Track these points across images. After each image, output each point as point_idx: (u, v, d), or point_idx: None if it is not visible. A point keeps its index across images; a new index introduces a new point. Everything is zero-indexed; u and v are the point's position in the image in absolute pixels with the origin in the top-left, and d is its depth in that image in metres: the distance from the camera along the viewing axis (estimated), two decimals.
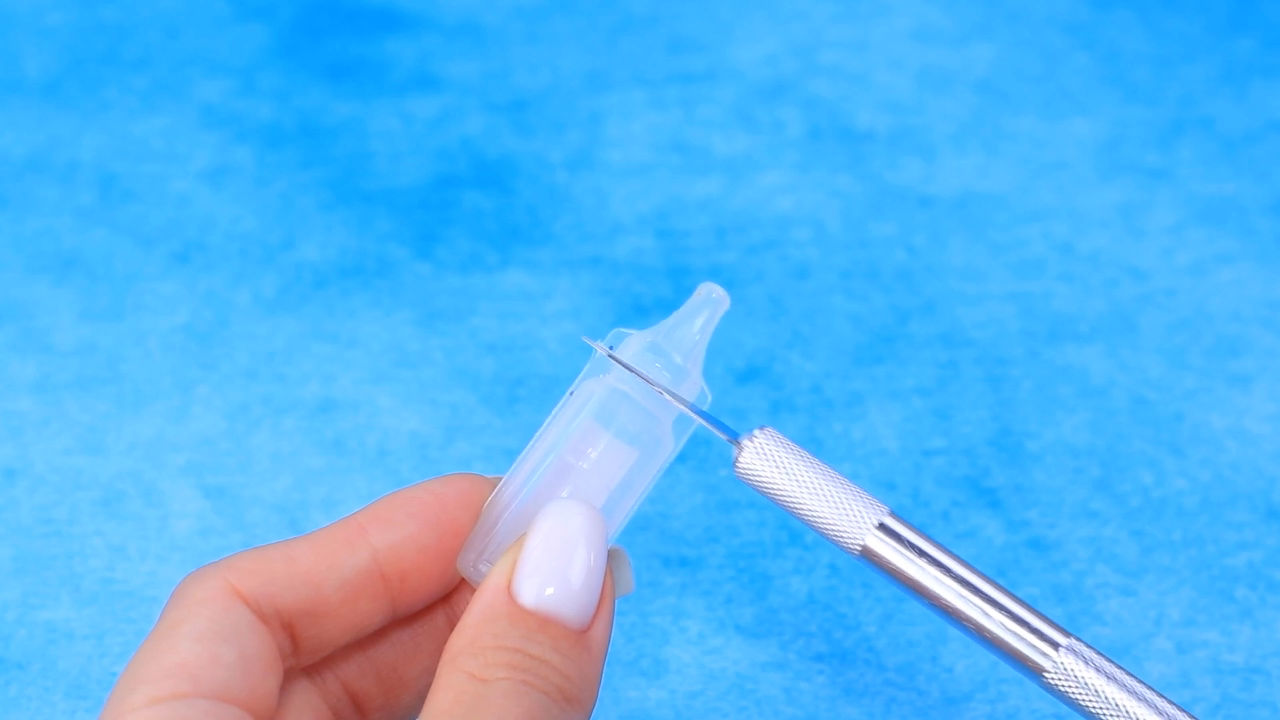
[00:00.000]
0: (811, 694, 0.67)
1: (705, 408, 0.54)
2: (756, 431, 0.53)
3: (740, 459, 0.53)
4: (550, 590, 0.50)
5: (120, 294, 0.81)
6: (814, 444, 0.75)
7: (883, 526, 0.53)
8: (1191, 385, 0.78)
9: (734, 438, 0.53)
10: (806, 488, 0.53)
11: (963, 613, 0.52)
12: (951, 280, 0.83)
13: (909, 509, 0.73)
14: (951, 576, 0.52)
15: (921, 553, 0.52)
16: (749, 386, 0.78)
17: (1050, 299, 0.82)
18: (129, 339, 0.79)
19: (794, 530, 0.72)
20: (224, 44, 0.94)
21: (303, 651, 0.52)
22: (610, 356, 0.54)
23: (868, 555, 0.52)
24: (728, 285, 0.58)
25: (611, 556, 0.52)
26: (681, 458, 0.55)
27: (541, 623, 0.50)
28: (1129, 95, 0.92)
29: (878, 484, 0.74)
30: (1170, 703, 0.51)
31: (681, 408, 0.53)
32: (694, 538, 0.72)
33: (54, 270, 0.82)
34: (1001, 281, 0.83)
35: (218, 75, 0.92)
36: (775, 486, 0.53)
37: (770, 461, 0.53)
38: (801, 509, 0.53)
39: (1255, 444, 0.76)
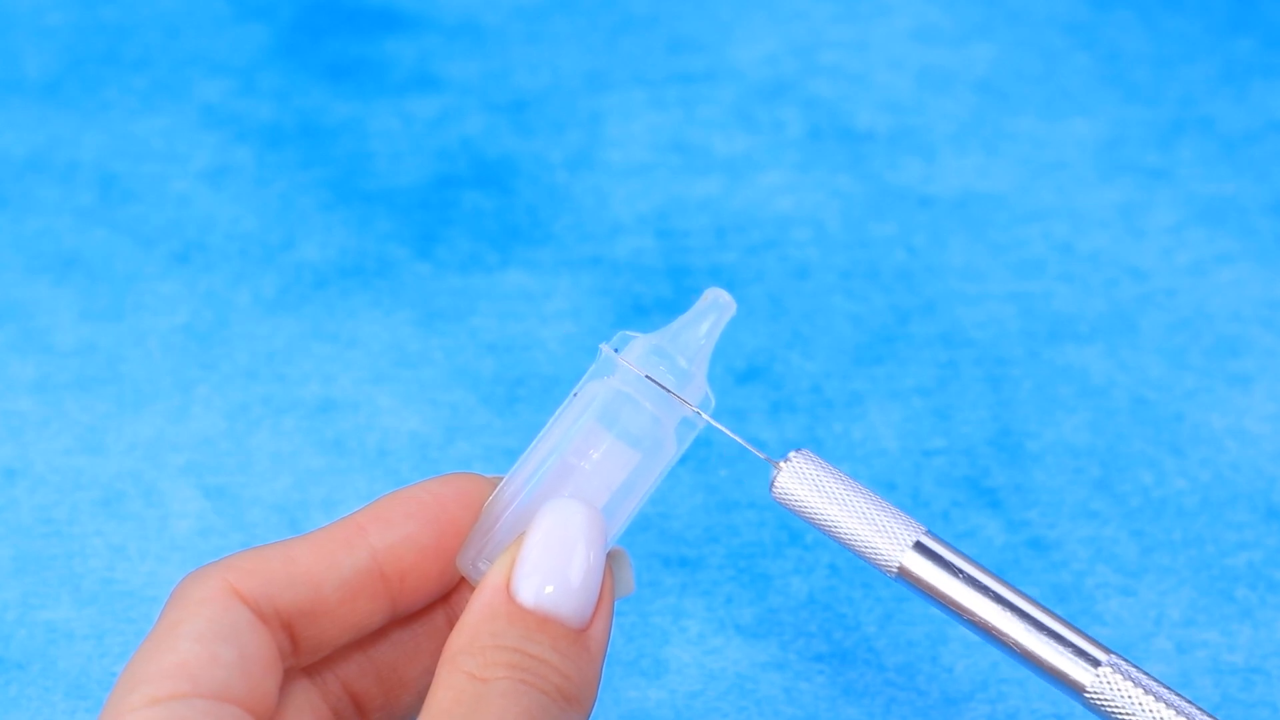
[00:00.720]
0: (811, 694, 0.67)
1: (709, 412, 0.54)
2: (792, 454, 0.53)
3: (777, 481, 0.53)
4: (549, 589, 0.50)
5: (120, 294, 0.81)
6: (814, 444, 0.75)
7: (919, 545, 0.52)
8: (1191, 385, 0.78)
9: (772, 459, 0.53)
10: (844, 507, 0.53)
11: (1001, 630, 0.52)
12: (951, 280, 0.83)
13: (909, 509, 0.73)
14: (988, 595, 0.52)
15: (958, 571, 0.52)
16: (749, 386, 0.78)
17: (1050, 299, 0.82)
18: (129, 339, 0.79)
19: (794, 530, 0.72)
20: (224, 44, 0.94)
21: (302, 651, 0.52)
22: (627, 364, 0.53)
23: (904, 575, 0.52)
24: (728, 285, 0.58)
25: (612, 557, 0.52)
26: (681, 458, 0.55)
27: (540, 622, 0.50)
28: (1129, 95, 0.92)
29: (878, 484, 0.74)
30: (1211, 717, 0.51)
31: (713, 422, 0.53)
32: (694, 538, 0.72)
33: (54, 270, 0.82)
34: (1001, 281, 0.83)
35: (218, 75, 0.92)
36: (812, 508, 0.53)
37: (807, 483, 0.53)
38: (838, 529, 0.53)
39: (1255, 444, 0.76)
